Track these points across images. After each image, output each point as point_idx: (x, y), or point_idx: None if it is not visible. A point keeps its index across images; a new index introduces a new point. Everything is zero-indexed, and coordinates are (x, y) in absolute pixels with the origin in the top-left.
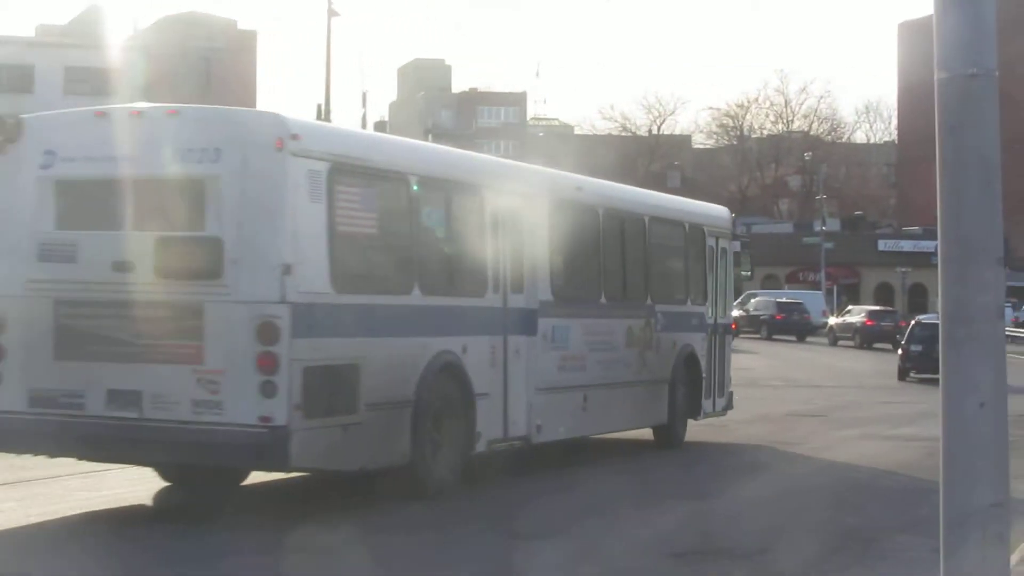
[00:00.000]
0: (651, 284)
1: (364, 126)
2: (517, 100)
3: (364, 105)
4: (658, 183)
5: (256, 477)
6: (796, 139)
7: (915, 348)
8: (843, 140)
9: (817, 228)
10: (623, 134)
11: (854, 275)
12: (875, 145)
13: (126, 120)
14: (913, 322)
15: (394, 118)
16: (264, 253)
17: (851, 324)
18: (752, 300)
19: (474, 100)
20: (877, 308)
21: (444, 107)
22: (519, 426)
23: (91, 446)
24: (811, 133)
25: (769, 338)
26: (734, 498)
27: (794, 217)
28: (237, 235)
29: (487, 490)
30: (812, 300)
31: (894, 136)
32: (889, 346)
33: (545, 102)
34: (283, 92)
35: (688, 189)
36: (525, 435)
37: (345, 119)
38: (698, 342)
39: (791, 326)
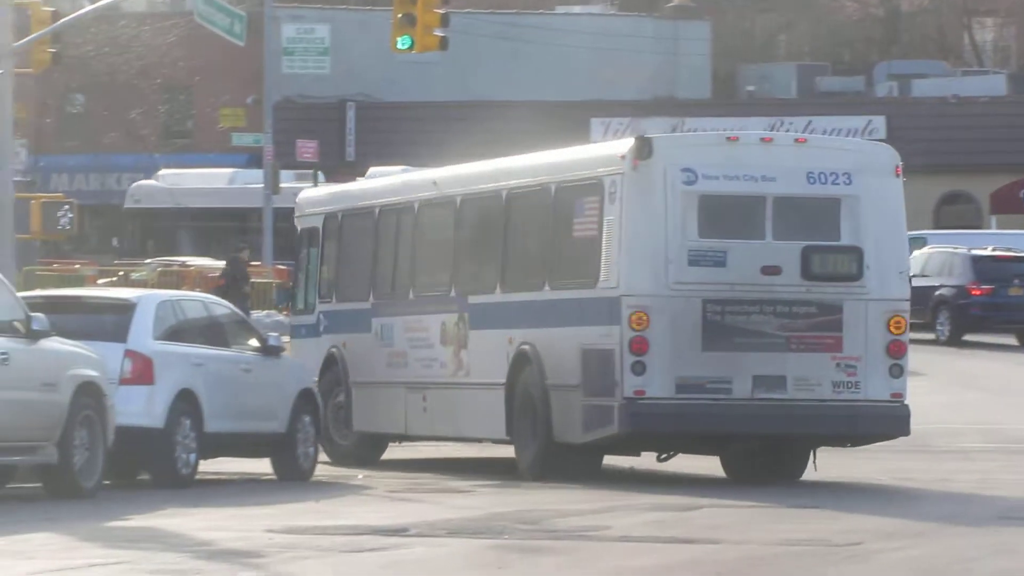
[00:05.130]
0: None
1: None
2: None
3: None
4: None
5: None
6: None
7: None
8: None
9: None
10: None
11: None
12: None
13: (758, 145)
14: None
15: None
16: (894, 260)
17: None
18: (917, 253)
19: None
20: None
21: None
22: None
23: (740, 423)
24: None
25: (956, 341)
26: None
27: (1010, 61)
28: (872, 245)
29: None
30: None
31: None
32: None
33: None
34: None
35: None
36: None
37: None
38: None
39: (1008, 312)
